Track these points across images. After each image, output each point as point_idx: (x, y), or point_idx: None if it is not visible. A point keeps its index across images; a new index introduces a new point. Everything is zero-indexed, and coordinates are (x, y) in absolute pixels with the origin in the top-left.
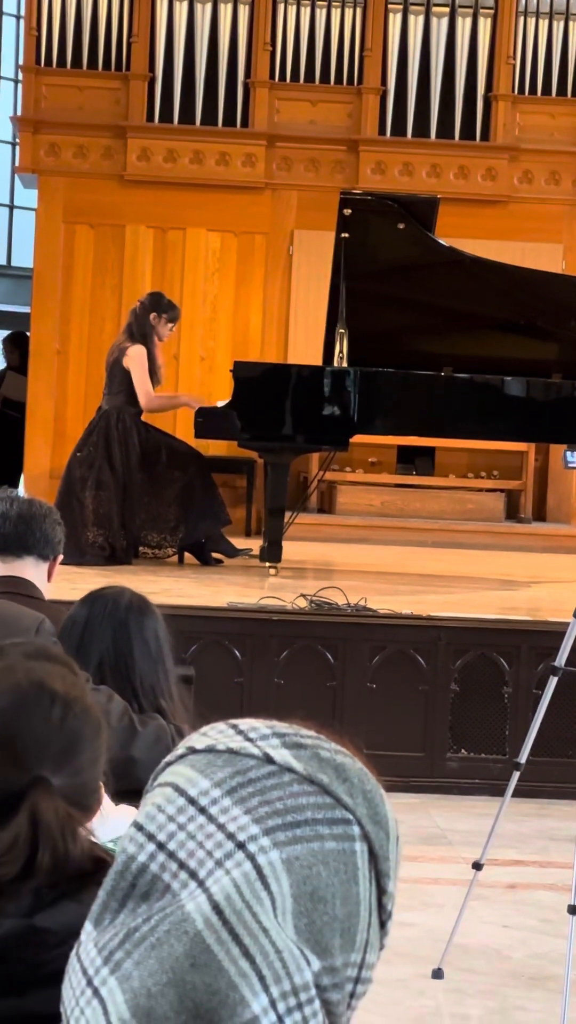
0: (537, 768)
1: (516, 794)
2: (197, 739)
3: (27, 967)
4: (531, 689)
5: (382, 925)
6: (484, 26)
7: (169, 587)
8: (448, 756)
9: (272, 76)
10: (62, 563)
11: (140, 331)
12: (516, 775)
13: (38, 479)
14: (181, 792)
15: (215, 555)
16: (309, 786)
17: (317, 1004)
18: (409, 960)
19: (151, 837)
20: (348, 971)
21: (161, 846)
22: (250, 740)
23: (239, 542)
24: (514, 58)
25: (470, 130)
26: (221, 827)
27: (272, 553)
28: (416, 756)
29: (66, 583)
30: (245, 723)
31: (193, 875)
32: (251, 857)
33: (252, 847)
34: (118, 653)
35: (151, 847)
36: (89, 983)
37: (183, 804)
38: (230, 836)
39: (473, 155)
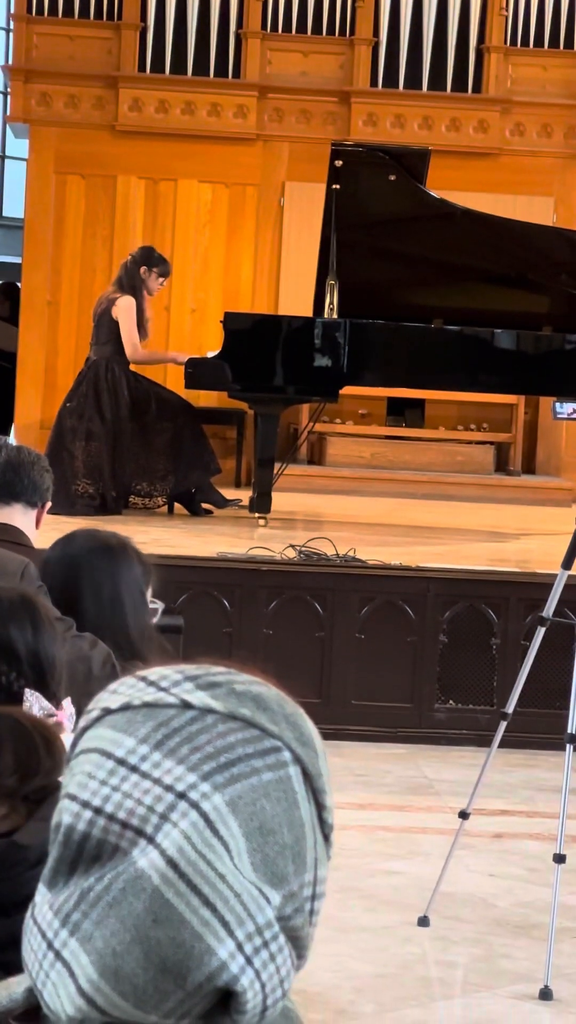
0: (524, 719)
1: (503, 745)
2: (109, 698)
3: (11, 886)
4: (519, 641)
5: (326, 839)
6: None
7: (159, 537)
8: (436, 707)
9: (264, 27)
10: (52, 513)
11: (130, 284)
12: (503, 725)
13: (28, 429)
14: (108, 755)
15: (205, 506)
16: (233, 723)
17: (282, 939)
18: (395, 908)
19: (86, 804)
20: (305, 891)
21: (98, 811)
22: (164, 689)
23: (229, 493)
24: (507, 10)
25: (462, 82)
26: (157, 781)
27: (262, 504)
28: (404, 707)
29: (56, 533)
30: (154, 673)
31: (140, 832)
32: (195, 805)
33: (194, 795)
34: (93, 595)
35: (88, 814)
36: (49, 946)
37: (112, 766)
38: (168, 788)
39: (465, 107)
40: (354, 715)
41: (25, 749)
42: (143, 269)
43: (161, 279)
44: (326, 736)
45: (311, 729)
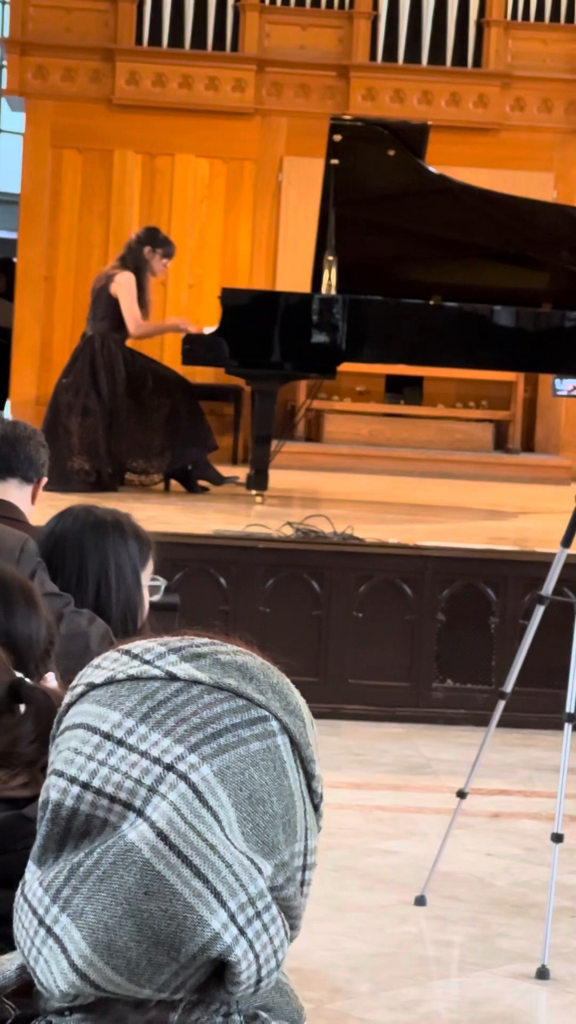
0: (522, 698)
1: (501, 724)
2: (93, 673)
3: (18, 858)
4: (518, 620)
5: (316, 808)
6: None
7: (155, 514)
8: (434, 686)
9: None
10: (47, 490)
11: (134, 263)
12: (501, 704)
13: (24, 405)
14: (93, 730)
15: (201, 483)
16: (219, 693)
17: (275, 909)
18: (392, 887)
19: (73, 780)
20: (296, 861)
21: (86, 785)
22: (148, 662)
23: (225, 470)
24: None
25: (462, 57)
26: (144, 754)
27: (259, 481)
28: (402, 686)
29: (51, 509)
30: (137, 646)
31: (128, 806)
32: (183, 777)
33: (182, 766)
34: (89, 570)
35: (75, 789)
36: (41, 923)
37: (99, 741)
38: (156, 761)
39: (465, 82)
40: (351, 694)
41: (47, 720)
42: (147, 249)
43: (165, 260)
44: (323, 715)
45: (298, 698)
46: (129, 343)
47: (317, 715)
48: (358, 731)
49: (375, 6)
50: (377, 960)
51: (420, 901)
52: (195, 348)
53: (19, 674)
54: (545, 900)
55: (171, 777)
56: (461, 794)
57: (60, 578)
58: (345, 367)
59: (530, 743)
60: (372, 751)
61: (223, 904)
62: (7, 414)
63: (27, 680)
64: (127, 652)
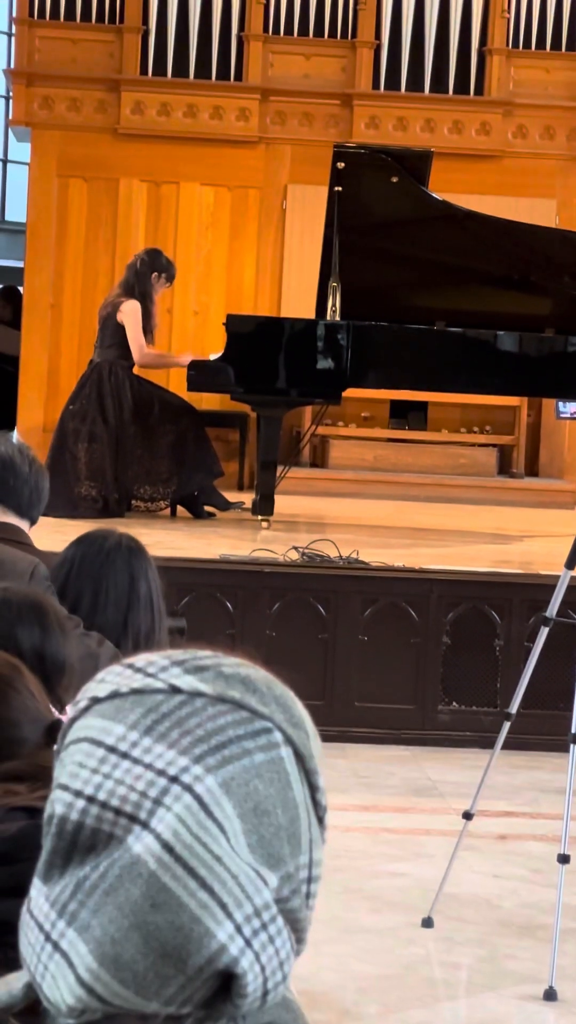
0: (528, 721)
1: (507, 747)
2: (96, 687)
3: (32, 866)
4: (523, 642)
5: (320, 821)
6: None
7: (161, 539)
8: (439, 709)
9: (266, 29)
10: (55, 516)
11: (140, 289)
12: (507, 725)
13: (31, 433)
14: (98, 743)
15: (207, 508)
16: (223, 705)
17: (280, 921)
18: (399, 909)
19: (78, 793)
20: (301, 873)
21: (91, 799)
22: (151, 675)
23: (232, 496)
24: (509, 12)
25: (464, 84)
26: (149, 766)
27: (264, 506)
28: (407, 708)
29: (59, 536)
30: (140, 660)
31: (133, 819)
32: (188, 788)
33: (186, 778)
34: (103, 590)
35: (80, 803)
36: (47, 938)
37: (103, 754)
38: (161, 773)
39: (467, 110)
40: (357, 717)
41: None
42: (154, 275)
43: (167, 283)
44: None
45: (301, 711)
46: (136, 370)
47: (324, 738)
48: (364, 754)
49: (378, 35)
50: (385, 982)
51: (427, 923)
52: (201, 375)
53: (57, 714)
54: (552, 921)
55: (176, 789)
56: (467, 816)
57: (80, 604)
58: (350, 393)
59: (536, 765)
60: (379, 773)
61: (229, 915)
62: (15, 436)
63: (64, 720)
64: (130, 666)
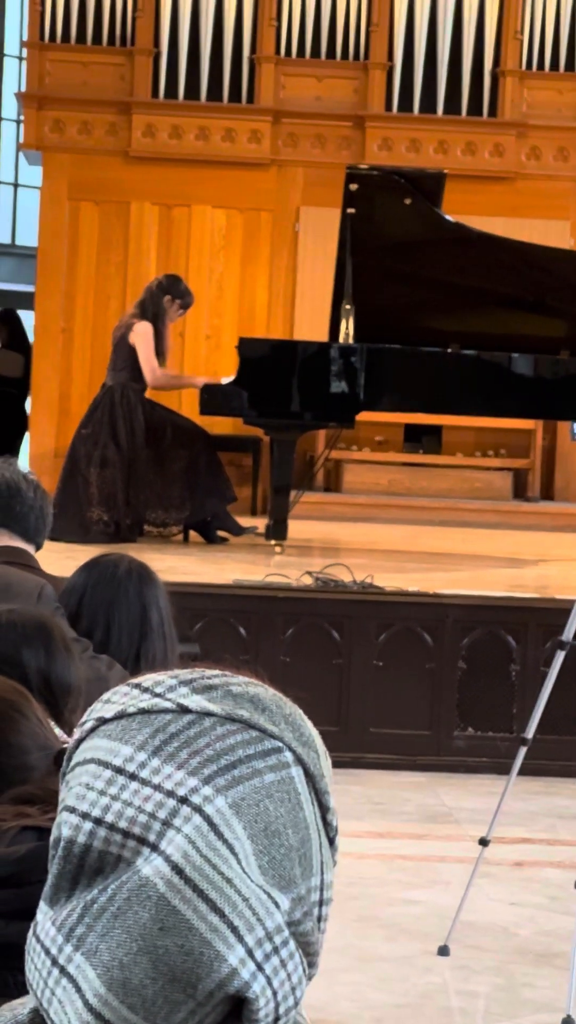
0: (544, 747)
1: (524, 773)
2: (103, 708)
3: (42, 889)
4: (539, 667)
5: (331, 842)
6: (492, 1)
7: (174, 565)
8: (455, 734)
9: (278, 51)
10: (66, 541)
11: (154, 310)
12: (523, 750)
13: (43, 458)
14: (105, 764)
15: (220, 533)
16: (232, 725)
17: (292, 944)
18: (415, 937)
19: (86, 816)
20: (313, 896)
21: (99, 821)
22: (159, 695)
23: (245, 521)
24: (522, 33)
25: (477, 106)
26: (157, 787)
27: (278, 531)
28: (423, 734)
29: (69, 561)
30: (147, 679)
31: (142, 841)
32: (198, 809)
33: (196, 799)
34: (116, 619)
35: (88, 825)
36: (54, 963)
37: (111, 776)
38: (170, 794)
39: (480, 131)
40: (372, 743)
41: None
42: (167, 298)
43: (182, 310)
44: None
45: (311, 730)
46: (148, 394)
47: (338, 764)
48: (379, 780)
49: (390, 56)
50: (401, 1011)
51: (443, 951)
52: (213, 398)
53: (65, 737)
54: (569, 949)
55: (185, 810)
56: (484, 842)
57: (93, 635)
58: (364, 416)
59: (552, 791)
60: (394, 800)
61: (240, 939)
62: (26, 467)
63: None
64: (137, 686)
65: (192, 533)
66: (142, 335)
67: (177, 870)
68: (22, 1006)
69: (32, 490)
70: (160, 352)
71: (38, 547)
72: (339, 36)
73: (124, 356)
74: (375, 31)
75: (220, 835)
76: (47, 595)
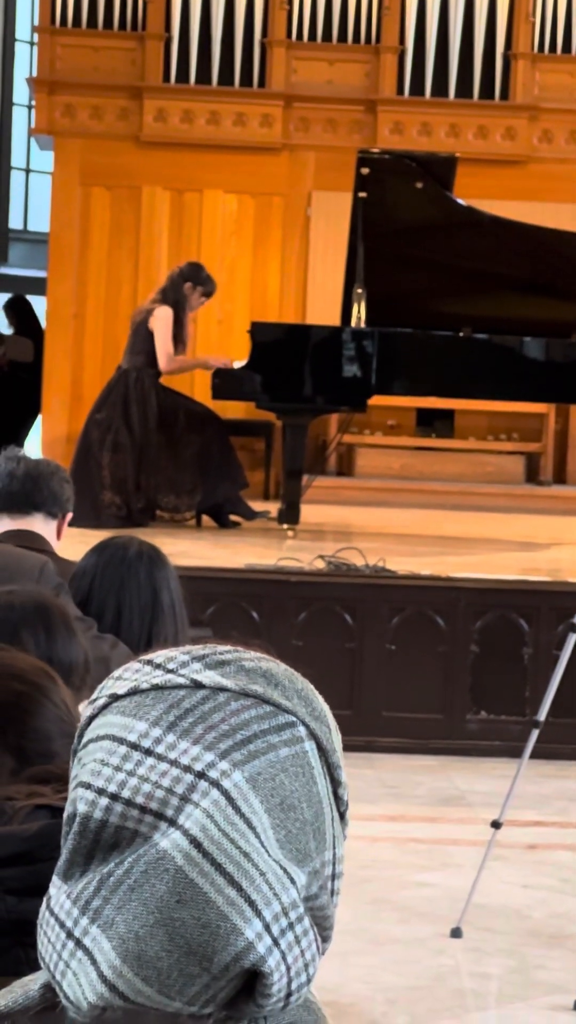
0: (557, 729)
1: (536, 755)
2: (115, 684)
3: (54, 866)
4: (551, 650)
5: (342, 816)
6: None
7: (187, 549)
8: (468, 718)
9: (289, 35)
10: (78, 525)
11: (174, 296)
12: (535, 733)
13: (56, 443)
14: (120, 740)
15: (233, 518)
16: (246, 700)
17: (307, 921)
18: (428, 920)
19: (101, 791)
20: (327, 869)
21: (115, 797)
22: (172, 671)
23: (257, 505)
24: (534, 16)
25: (489, 89)
26: (174, 763)
27: (290, 515)
28: (435, 718)
29: (81, 545)
30: (159, 656)
31: (160, 816)
32: (215, 784)
33: (213, 774)
34: (127, 601)
35: (104, 801)
36: (69, 935)
37: (126, 751)
38: (187, 769)
39: (492, 115)
40: (385, 727)
41: None
42: (188, 285)
43: (204, 298)
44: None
45: (323, 704)
46: (162, 379)
47: (351, 748)
48: (392, 763)
49: (402, 40)
50: (414, 993)
51: (456, 933)
52: (225, 383)
53: None
54: None
55: (203, 784)
56: (496, 825)
57: (104, 618)
58: (376, 400)
59: (565, 774)
60: (406, 783)
61: (258, 913)
62: (39, 452)
63: None
64: (149, 662)
65: (205, 518)
66: (162, 319)
67: (196, 844)
68: (33, 982)
69: (15, 462)
70: (180, 339)
71: (63, 513)
72: (350, 19)
73: (142, 340)
74: (387, 14)
75: (238, 809)
76: (48, 572)
